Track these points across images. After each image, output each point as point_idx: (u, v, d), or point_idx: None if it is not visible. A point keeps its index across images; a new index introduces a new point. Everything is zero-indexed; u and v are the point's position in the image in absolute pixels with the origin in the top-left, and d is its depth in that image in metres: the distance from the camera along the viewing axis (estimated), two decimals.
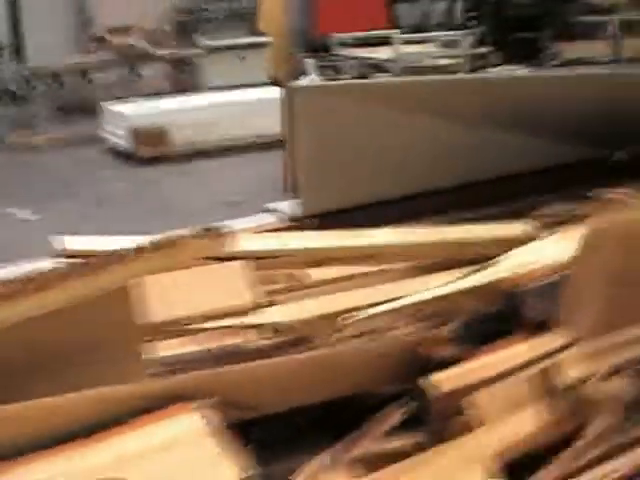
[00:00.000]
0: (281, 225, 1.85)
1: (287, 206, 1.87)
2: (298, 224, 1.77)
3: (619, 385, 1.35)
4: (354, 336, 1.41)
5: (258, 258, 1.73)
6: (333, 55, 9.83)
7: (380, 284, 1.68)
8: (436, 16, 15.75)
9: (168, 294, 1.49)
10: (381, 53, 9.99)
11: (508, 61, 13.06)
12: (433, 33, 12.90)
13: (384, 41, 10.87)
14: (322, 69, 8.05)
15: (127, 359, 1.29)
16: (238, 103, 10.99)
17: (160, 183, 9.20)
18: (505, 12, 16.28)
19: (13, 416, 1.08)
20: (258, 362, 1.41)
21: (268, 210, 1.99)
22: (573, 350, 1.36)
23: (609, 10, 17.01)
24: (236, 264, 1.43)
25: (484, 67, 11.48)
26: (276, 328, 1.46)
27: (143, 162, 10.03)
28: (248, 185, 8.53)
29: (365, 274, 1.74)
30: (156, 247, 1.20)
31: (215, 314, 1.48)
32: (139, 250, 1.18)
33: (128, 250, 1.20)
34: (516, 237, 1.96)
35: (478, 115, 2.04)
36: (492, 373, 1.41)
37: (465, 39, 9.65)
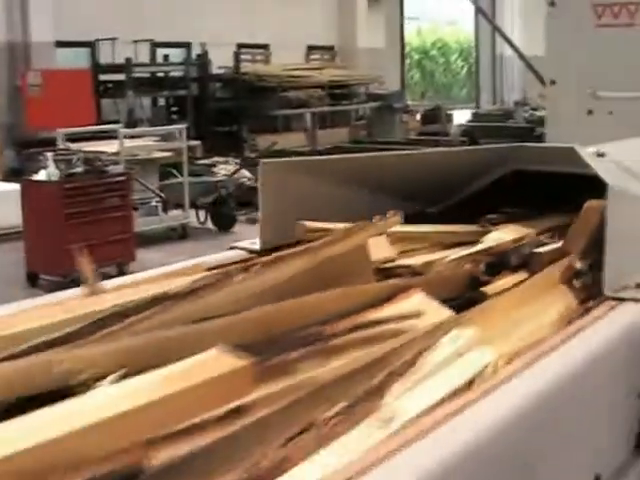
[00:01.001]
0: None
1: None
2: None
3: None
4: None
5: None
6: (63, 149, 9.71)
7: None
8: (141, 111, 15.85)
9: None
10: (108, 147, 10.13)
11: (216, 153, 13.41)
12: (152, 127, 13.08)
13: (109, 135, 11.03)
14: (57, 162, 7.94)
15: None
16: None
17: None
18: (206, 107, 16.78)
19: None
20: None
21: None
22: None
23: (304, 104, 18.13)
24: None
25: (196, 158, 11.82)
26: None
27: None
28: None
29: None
30: (360, 227, 1.73)
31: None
32: (353, 229, 1.64)
33: (350, 228, 1.64)
34: None
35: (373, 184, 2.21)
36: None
37: (181, 133, 10.02)
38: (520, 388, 1.27)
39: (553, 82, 3.75)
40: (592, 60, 3.65)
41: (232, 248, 2.10)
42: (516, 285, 1.72)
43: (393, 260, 1.59)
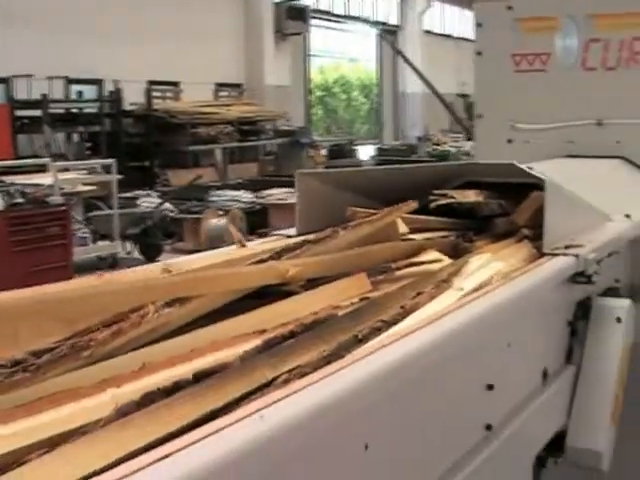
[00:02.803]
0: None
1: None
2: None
3: None
4: None
5: None
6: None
7: None
8: (56, 146, 16.04)
9: None
10: (42, 179, 10.41)
11: (129, 187, 13.72)
12: (81, 162, 13.38)
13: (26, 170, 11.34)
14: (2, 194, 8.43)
15: None
16: None
17: None
18: (119, 142, 17.02)
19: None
20: None
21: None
22: None
23: (214, 140, 18.54)
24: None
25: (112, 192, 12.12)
26: None
27: None
28: None
29: None
30: (391, 210, 2.33)
31: None
32: (388, 211, 2.32)
33: (386, 210, 2.24)
34: None
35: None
36: None
37: (109, 167, 10.56)
38: (484, 303, 1.85)
39: (480, 116, 4.45)
40: (512, 98, 4.36)
41: (273, 235, 2.64)
42: (486, 246, 2.42)
43: (406, 234, 2.26)
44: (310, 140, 21.75)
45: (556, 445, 2.44)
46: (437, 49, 29.92)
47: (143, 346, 1.49)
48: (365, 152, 23.86)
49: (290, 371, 1.38)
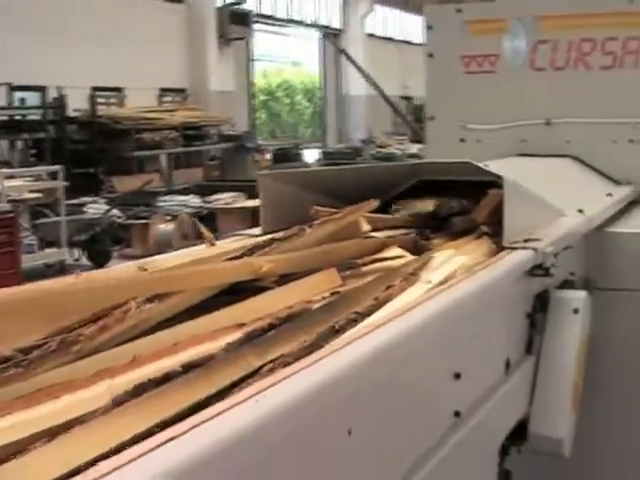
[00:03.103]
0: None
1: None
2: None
3: None
4: None
5: None
6: None
7: None
8: (0, 153, 15.90)
9: None
10: None
11: (78, 193, 13.65)
12: (27, 169, 13.27)
13: None
14: None
15: None
16: None
17: None
18: (64, 149, 16.87)
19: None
20: None
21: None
22: None
23: (159, 145, 18.47)
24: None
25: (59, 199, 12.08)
26: None
27: None
28: None
29: None
30: (354, 209, 2.38)
31: None
32: (350, 209, 2.38)
33: (349, 209, 2.30)
34: None
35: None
36: None
37: (52, 174, 10.53)
38: (450, 295, 1.91)
39: (432, 118, 4.53)
40: (462, 99, 4.44)
41: (235, 235, 2.68)
42: (446, 243, 2.50)
43: (368, 232, 2.33)
44: (255, 144, 21.79)
45: (519, 434, 2.52)
46: (379, 52, 30.14)
47: (127, 341, 1.52)
48: (310, 156, 23.97)
49: (274, 360, 1.43)
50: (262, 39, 27.46)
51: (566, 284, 2.83)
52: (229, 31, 23.22)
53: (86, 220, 11.40)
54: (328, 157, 22.38)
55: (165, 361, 1.41)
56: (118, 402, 1.23)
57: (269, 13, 27.21)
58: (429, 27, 4.50)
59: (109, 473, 1.01)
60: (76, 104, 17.57)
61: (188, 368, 1.34)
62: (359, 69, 10.99)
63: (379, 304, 1.81)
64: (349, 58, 12.69)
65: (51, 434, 1.16)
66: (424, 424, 1.84)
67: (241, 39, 24.46)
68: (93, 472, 1.02)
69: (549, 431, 2.51)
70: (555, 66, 4.17)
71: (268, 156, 22.44)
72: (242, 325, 1.59)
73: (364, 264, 2.11)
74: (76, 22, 18.68)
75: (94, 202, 12.78)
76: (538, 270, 2.43)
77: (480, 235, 2.56)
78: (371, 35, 31.99)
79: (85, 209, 12.22)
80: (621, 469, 3.43)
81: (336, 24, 30.64)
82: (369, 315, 1.74)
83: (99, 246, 11.11)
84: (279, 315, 1.65)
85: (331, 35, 24.72)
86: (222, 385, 1.32)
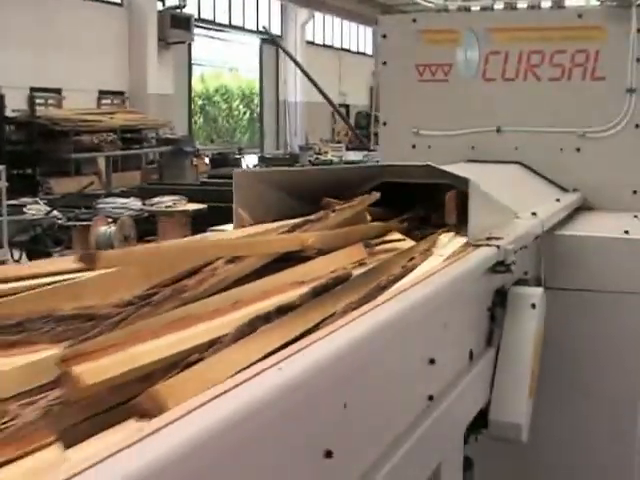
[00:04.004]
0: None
1: None
2: None
3: None
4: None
5: None
6: None
7: None
8: None
9: None
10: None
11: (15, 194, 13.50)
12: None
13: None
14: None
15: None
16: None
17: None
18: (1, 150, 16.61)
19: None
20: None
21: None
22: None
23: (97, 148, 18.33)
24: None
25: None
26: None
27: None
28: None
29: None
30: (361, 200, 2.74)
31: None
32: (360, 201, 2.74)
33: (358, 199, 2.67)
34: None
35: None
36: None
37: None
38: (426, 287, 2.07)
39: (385, 123, 4.68)
40: (415, 106, 4.60)
41: (212, 230, 2.78)
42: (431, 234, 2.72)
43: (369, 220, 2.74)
44: (194, 148, 21.74)
45: (479, 422, 2.67)
46: (318, 59, 30.34)
47: (216, 292, 1.86)
48: (248, 161, 24.03)
49: (344, 306, 1.86)
50: (200, 43, 27.42)
51: (521, 282, 3.00)
52: (170, 35, 23.18)
53: (27, 221, 11.32)
54: (266, 162, 22.47)
55: (259, 305, 1.76)
56: (241, 330, 1.58)
57: (210, 18, 27.22)
58: (383, 36, 4.66)
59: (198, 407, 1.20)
60: (14, 104, 17.38)
61: (282, 310, 1.71)
62: (303, 71, 11.11)
63: (407, 271, 2.22)
64: (294, 61, 12.80)
65: (201, 350, 1.49)
66: (400, 405, 1.98)
67: (181, 43, 24.44)
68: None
69: (508, 417, 2.66)
70: (505, 76, 4.36)
71: (206, 160, 22.42)
72: (302, 283, 1.96)
73: (376, 244, 2.51)
74: (14, 22, 18.49)
75: (35, 203, 12.67)
76: (500, 267, 2.59)
77: (448, 230, 2.74)
78: (310, 42, 32.20)
79: (25, 210, 12.11)
80: (572, 452, 3.61)
81: (276, 31, 30.77)
82: (401, 278, 2.16)
83: (39, 247, 11.05)
84: (328, 277, 2.00)
85: (275, 36, 24.77)
86: (313, 323, 1.73)
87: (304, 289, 1.87)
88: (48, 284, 1.69)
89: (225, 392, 1.25)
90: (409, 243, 2.57)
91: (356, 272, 2.13)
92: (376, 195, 2.65)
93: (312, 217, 2.46)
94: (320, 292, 1.87)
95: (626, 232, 3.53)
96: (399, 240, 2.58)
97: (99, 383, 1.28)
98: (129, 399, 1.31)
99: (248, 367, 1.40)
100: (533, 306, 2.79)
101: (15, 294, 1.63)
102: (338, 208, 2.55)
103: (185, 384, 1.32)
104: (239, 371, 1.38)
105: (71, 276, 1.75)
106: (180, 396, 1.26)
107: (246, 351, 1.50)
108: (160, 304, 1.67)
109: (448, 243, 2.51)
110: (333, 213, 2.50)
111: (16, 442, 1.08)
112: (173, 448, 1.08)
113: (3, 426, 1.13)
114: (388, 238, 2.60)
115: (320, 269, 2.13)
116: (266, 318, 1.63)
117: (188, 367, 1.40)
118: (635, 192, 4.23)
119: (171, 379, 1.34)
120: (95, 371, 1.29)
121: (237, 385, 1.28)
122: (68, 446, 1.14)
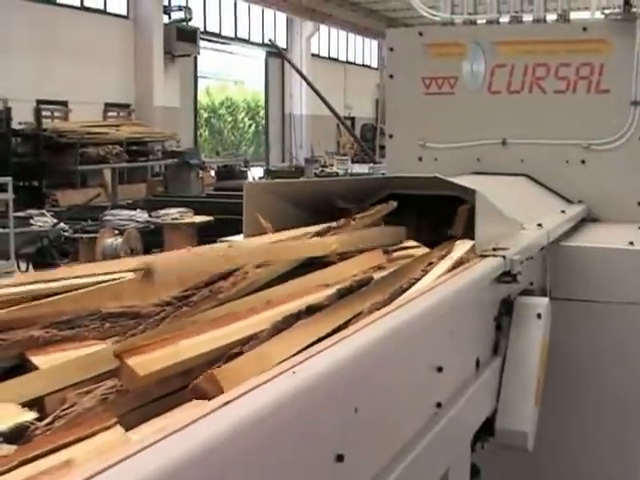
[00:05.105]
0: None
1: None
2: None
3: None
4: None
5: None
6: None
7: None
8: None
9: None
10: None
11: (22, 206, 13.48)
12: None
13: None
14: None
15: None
16: None
17: None
18: (8, 162, 16.66)
19: None
20: None
21: None
22: None
23: (103, 160, 18.37)
24: None
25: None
26: None
27: None
28: None
29: None
30: (380, 208, 2.97)
31: None
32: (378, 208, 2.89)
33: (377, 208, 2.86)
34: None
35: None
36: None
37: (1, 186, 10.59)
38: (434, 296, 2.10)
39: (391, 136, 4.72)
40: (421, 119, 4.64)
41: (222, 241, 2.81)
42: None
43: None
44: (199, 161, 21.78)
45: (485, 430, 2.70)
46: (324, 72, 30.42)
47: (248, 294, 2.03)
48: (254, 174, 24.07)
49: (370, 306, 1.99)
50: (206, 56, 27.53)
51: (527, 292, 3.03)
52: (176, 48, 23.28)
53: (34, 233, 11.37)
54: (271, 175, 22.50)
55: (289, 305, 1.91)
56: (276, 326, 1.72)
57: (215, 31, 27.32)
58: (390, 49, 4.71)
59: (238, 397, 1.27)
60: (20, 117, 17.45)
61: (312, 310, 1.85)
62: (308, 83, 11.17)
63: (426, 273, 2.35)
64: (298, 72, 12.83)
65: (241, 344, 1.63)
66: (409, 412, 2.01)
67: (187, 56, 24.53)
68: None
69: (515, 425, 2.69)
70: (511, 89, 4.40)
71: (212, 173, 22.47)
72: (327, 285, 2.12)
73: (394, 250, 2.67)
74: (22, 35, 18.59)
75: (41, 215, 12.72)
76: (506, 277, 2.62)
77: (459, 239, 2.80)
78: (316, 55, 32.30)
79: (32, 222, 12.16)
80: (579, 461, 3.64)
81: (281, 44, 30.86)
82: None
83: (46, 259, 11.09)
84: (351, 280, 2.14)
85: (281, 49, 24.82)
86: (343, 320, 1.87)
87: (330, 291, 2.01)
88: (90, 285, 1.79)
89: (244, 393, 1.29)
90: (424, 250, 2.69)
91: (377, 276, 2.23)
92: (393, 204, 2.78)
93: (334, 224, 2.59)
94: (345, 294, 2.01)
95: (631, 243, 3.57)
96: (415, 247, 2.71)
97: (151, 374, 1.42)
98: (174, 391, 1.47)
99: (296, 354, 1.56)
100: (539, 316, 2.82)
101: (63, 293, 1.73)
102: (358, 217, 2.68)
103: (239, 371, 1.46)
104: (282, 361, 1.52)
105: (111, 277, 1.85)
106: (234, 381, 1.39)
107: (285, 345, 1.65)
108: (198, 304, 1.82)
109: (461, 251, 2.59)
110: (353, 221, 2.64)
111: (76, 426, 1.18)
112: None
113: (63, 413, 1.24)
114: (404, 245, 2.75)
115: (343, 273, 2.30)
116: (297, 316, 1.77)
117: (231, 359, 1.53)
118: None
119: (223, 366, 1.48)
120: (148, 363, 1.43)
121: (253, 388, 1.31)
122: (127, 429, 1.24)
